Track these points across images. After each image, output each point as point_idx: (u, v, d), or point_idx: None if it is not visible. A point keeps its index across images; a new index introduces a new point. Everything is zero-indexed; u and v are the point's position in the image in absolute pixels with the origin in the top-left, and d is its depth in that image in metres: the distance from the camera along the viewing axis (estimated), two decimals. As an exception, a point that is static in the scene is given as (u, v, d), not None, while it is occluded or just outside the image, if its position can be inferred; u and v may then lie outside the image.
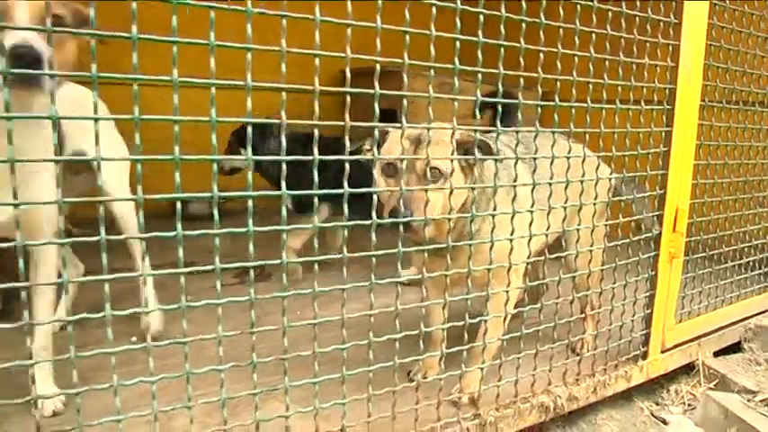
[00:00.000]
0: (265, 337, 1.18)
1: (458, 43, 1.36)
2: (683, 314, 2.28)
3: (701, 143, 2.14)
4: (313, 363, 1.25)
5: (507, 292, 1.61)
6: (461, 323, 1.51)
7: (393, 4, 1.22)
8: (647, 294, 2.05)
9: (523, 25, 1.47)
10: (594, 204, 1.77)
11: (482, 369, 1.65)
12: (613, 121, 1.77)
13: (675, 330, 2.21)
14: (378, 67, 1.22)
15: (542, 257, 1.69)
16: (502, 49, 1.43)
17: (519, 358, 1.67)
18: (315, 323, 1.22)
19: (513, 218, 1.53)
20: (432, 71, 1.32)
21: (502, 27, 1.42)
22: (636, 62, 1.78)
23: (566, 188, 1.63)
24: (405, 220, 1.40)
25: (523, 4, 1.45)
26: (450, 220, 1.50)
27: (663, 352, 2.18)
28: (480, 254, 1.53)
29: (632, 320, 2.02)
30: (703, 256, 2.37)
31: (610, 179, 1.97)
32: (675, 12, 1.89)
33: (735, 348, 2.61)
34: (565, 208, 1.66)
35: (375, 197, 1.35)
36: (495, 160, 1.51)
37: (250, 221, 1.11)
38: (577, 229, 1.81)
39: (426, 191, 1.44)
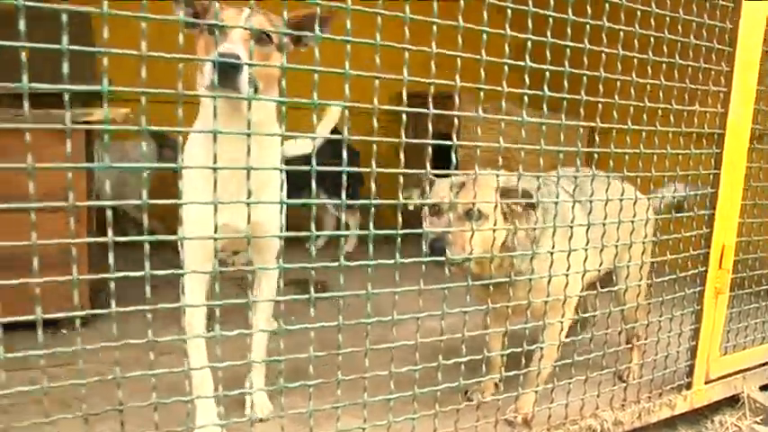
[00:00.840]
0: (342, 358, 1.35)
1: (526, 98, 1.52)
2: (729, 347, 2.36)
3: (749, 185, 2.23)
4: (389, 382, 1.41)
5: (561, 322, 1.75)
6: (519, 350, 1.64)
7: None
8: (693, 327, 2.15)
9: (584, 79, 1.61)
10: (644, 243, 1.89)
11: (536, 392, 1.78)
12: (664, 165, 1.89)
13: (720, 362, 2.29)
14: (457, 122, 1.39)
15: (593, 291, 1.81)
16: (565, 102, 1.57)
17: (570, 383, 1.79)
18: (392, 347, 1.38)
19: (569, 255, 1.66)
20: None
21: (565, 81, 1.57)
22: (687, 110, 1.90)
23: (618, 228, 1.76)
24: (448, 258, 1.59)
25: (585, 60, 1.59)
26: (491, 256, 1.65)
27: (707, 383, 2.26)
28: (536, 289, 1.67)
29: (677, 351, 2.12)
30: (750, 291, 2.44)
31: (657, 219, 2.08)
32: (727, 60, 2.00)
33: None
34: (616, 246, 1.78)
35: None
36: (556, 203, 1.65)
37: (342, 259, 1.28)
38: (627, 266, 1.93)
39: (467, 230, 1.61)
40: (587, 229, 1.70)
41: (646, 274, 2.00)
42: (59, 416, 1.11)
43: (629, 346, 2.25)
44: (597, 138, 1.76)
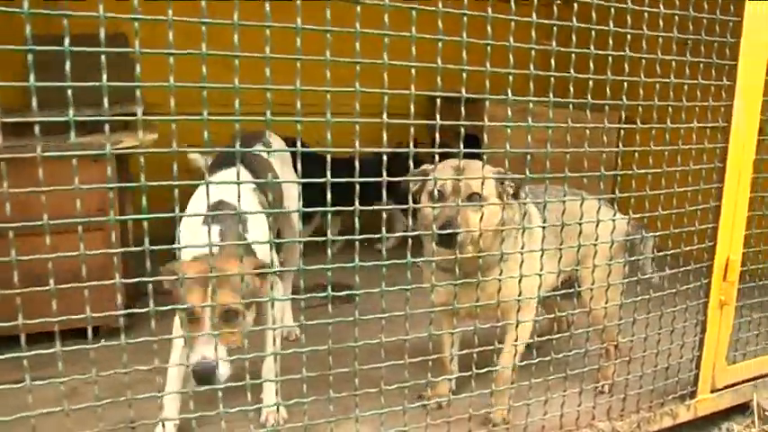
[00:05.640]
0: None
1: (552, 79, 1.55)
2: (738, 356, 2.28)
3: (755, 195, 2.15)
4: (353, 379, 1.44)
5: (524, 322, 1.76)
6: (478, 349, 1.64)
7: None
8: (697, 338, 2.09)
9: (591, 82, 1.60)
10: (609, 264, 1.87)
11: (510, 390, 1.79)
12: (675, 161, 1.86)
13: (727, 372, 2.22)
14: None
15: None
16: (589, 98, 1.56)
17: (564, 394, 1.77)
18: (355, 346, 1.41)
19: (542, 255, 1.67)
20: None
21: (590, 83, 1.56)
22: (685, 126, 1.85)
23: (579, 235, 1.74)
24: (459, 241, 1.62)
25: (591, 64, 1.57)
26: (481, 241, 1.70)
27: (713, 392, 2.19)
28: (504, 287, 1.66)
29: (679, 363, 2.07)
30: (760, 301, 2.35)
31: (614, 221, 1.91)
32: (728, 76, 1.93)
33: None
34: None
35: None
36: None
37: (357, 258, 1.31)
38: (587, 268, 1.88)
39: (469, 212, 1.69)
40: (543, 239, 1.69)
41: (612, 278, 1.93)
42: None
43: (603, 346, 2.15)
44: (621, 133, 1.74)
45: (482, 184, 1.64)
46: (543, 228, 1.62)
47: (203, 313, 1.49)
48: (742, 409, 2.40)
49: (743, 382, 2.31)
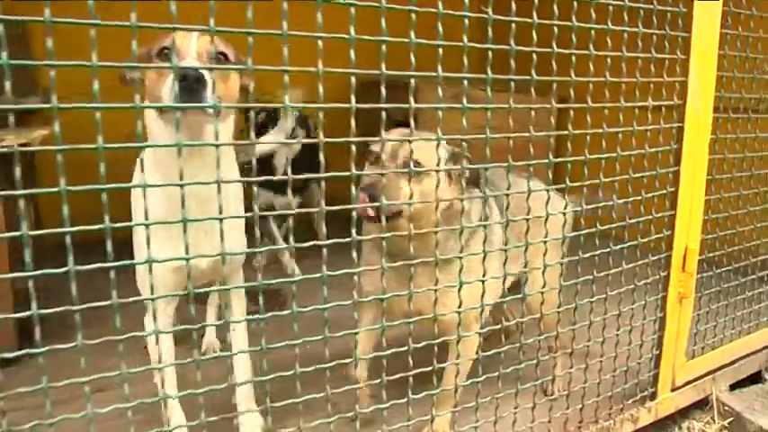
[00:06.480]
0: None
1: (489, 53, 1.30)
2: (696, 349, 2.13)
3: (712, 177, 1.98)
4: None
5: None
6: (414, 372, 1.41)
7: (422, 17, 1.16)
8: (656, 336, 1.92)
9: (534, 56, 1.37)
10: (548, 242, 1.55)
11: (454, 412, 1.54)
12: (630, 143, 1.65)
13: (686, 368, 2.06)
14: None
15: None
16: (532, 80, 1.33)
17: (515, 411, 1.56)
18: (262, 381, 1.15)
19: (484, 259, 1.40)
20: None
21: (534, 60, 1.32)
22: (652, 81, 1.66)
23: (527, 232, 1.48)
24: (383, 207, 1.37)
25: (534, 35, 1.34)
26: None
27: (673, 390, 2.04)
28: (446, 298, 1.39)
29: (638, 363, 1.89)
30: (718, 290, 2.21)
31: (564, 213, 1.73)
32: (682, 49, 1.75)
33: (755, 378, 2.45)
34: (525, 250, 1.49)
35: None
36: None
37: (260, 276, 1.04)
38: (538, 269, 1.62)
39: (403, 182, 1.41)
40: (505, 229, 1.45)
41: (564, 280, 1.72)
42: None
43: (557, 355, 1.91)
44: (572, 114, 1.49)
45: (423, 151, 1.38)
46: (488, 225, 1.38)
47: (185, 45, 1.30)
48: (701, 405, 2.27)
49: (702, 376, 2.17)
